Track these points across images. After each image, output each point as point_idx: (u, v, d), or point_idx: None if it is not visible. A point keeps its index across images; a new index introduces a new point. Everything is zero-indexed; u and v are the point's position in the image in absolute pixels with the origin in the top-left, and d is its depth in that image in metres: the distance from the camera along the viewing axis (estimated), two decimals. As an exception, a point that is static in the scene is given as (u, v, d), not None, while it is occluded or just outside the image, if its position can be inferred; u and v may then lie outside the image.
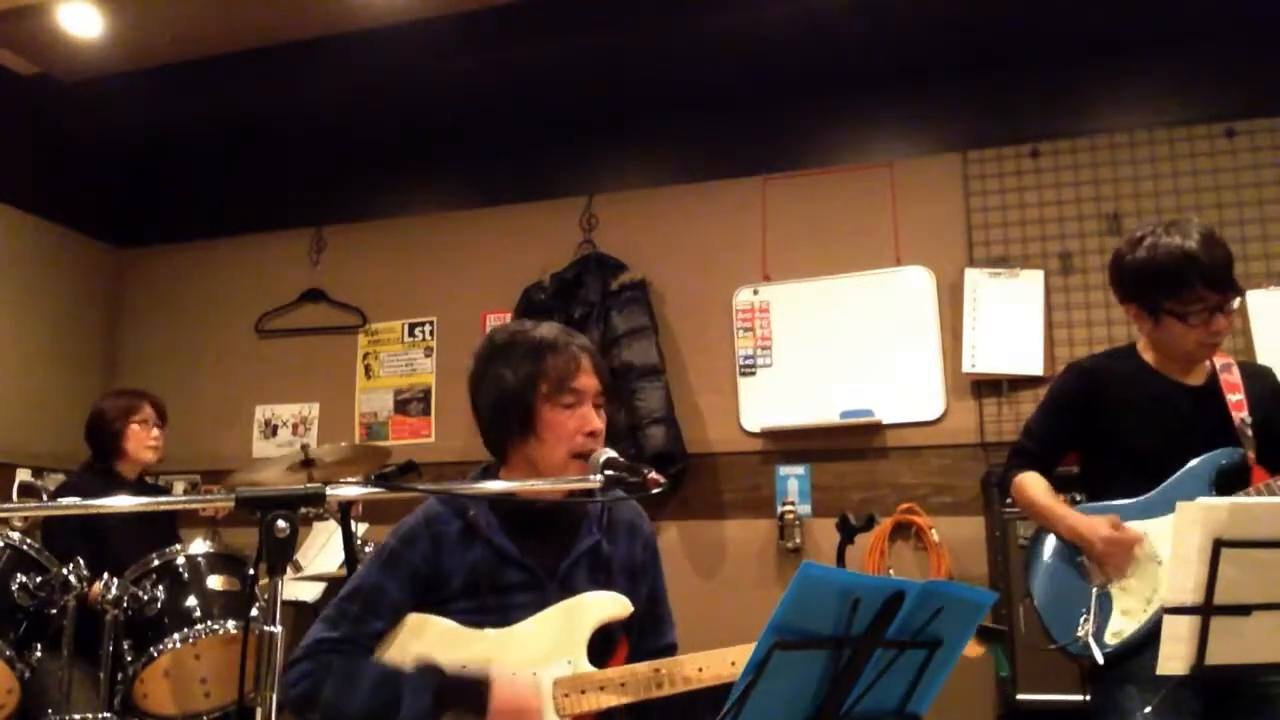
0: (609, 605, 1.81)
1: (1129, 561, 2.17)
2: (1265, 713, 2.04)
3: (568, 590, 1.82)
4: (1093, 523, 2.20)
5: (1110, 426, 2.30)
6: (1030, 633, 2.37)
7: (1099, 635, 2.16)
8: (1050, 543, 2.34)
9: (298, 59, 4.23)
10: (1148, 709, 2.01)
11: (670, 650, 1.99)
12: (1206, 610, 1.59)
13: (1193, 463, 2.19)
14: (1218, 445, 2.20)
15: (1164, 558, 2.15)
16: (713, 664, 1.73)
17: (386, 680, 1.70)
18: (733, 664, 1.71)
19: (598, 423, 1.84)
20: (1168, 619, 1.62)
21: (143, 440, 3.48)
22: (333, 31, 4.10)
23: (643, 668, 1.74)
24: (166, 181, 5.31)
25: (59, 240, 5.02)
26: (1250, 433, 2.21)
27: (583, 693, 1.72)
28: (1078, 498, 2.48)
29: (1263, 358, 3.57)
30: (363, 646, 1.76)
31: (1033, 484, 2.36)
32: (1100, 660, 2.14)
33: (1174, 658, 1.61)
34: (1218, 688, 2.06)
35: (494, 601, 1.78)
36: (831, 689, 1.30)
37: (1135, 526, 2.19)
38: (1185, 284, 2.15)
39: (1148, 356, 2.33)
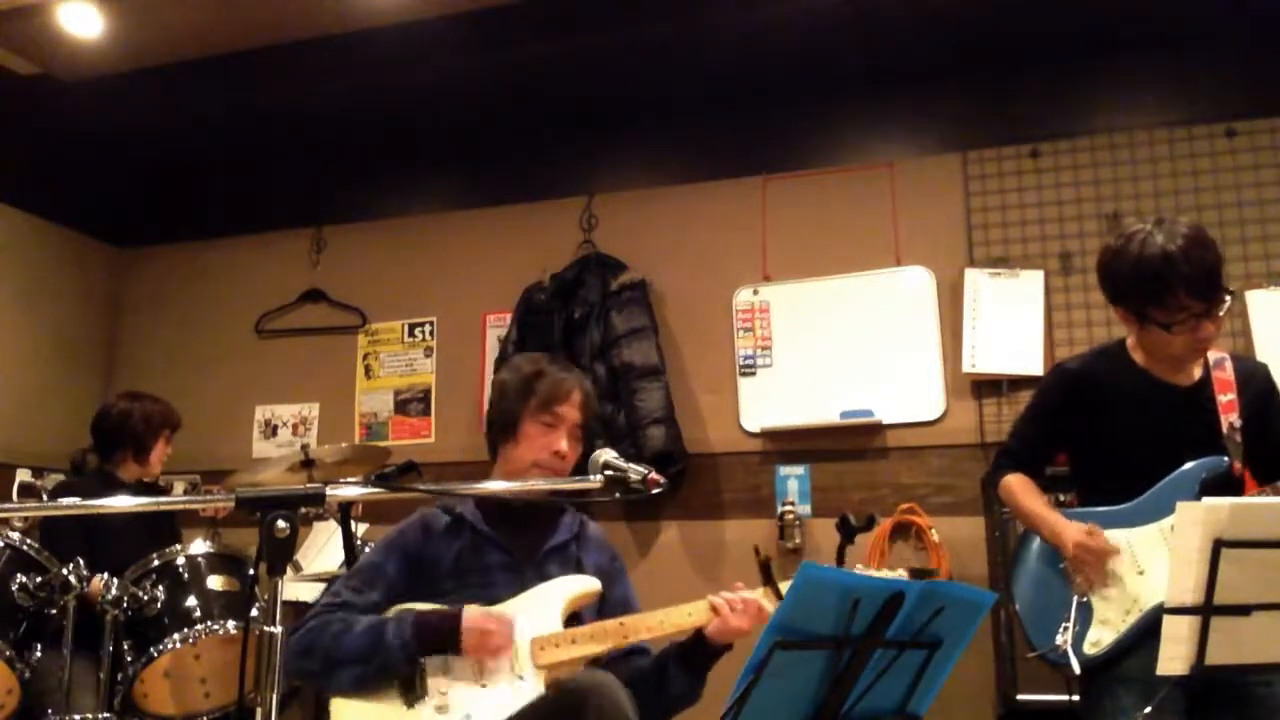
0: (580, 584, 2.02)
1: (1102, 570, 2.15)
2: (1247, 711, 2.03)
3: (541, 574, 2.03)
4: (1068, 528, 2.18)
5: (1095, 429, 2.27)
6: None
7: (1077, 644, 2.15)
8: (1035, 548, 2.32)
9: (298, 59, 4.23)
10: (1147, 709, 2.00)
11: (645, 654, 2.13)
12: (1206, 610, 1.59)
13: (1177, 472, 2.16)
14: (1205, 449, 2.16)
15: (1145, 567, 2.13)
16: (671, 616, 1.93)
17: (373, 624, 1.91)
18: (689, 615, 1.93)
19: (565, 446, 2.11)
20: (1168, 619, 1.62)
21: (163, 454, 3.49)
22: (333, 31, 4.10)
23: (609, 623, 1.94)
24: (166, 181, 5.31)
25: (59, 240, 5.02)
26: (1239, 439, 2.16)
27: (557, 645, 1.91)
28: (1062, 498, 2.47)
29: (1262, 358, 3.55)
30: (359, 611, 1.96)
31: (1018, 487, 2.34)
32: (1077, 670, 2.13)
33: (1174, 658, 1.61)
34: (1203, 685, 2.04)
35: (477, 581, 2.00)
36: (831, 689, 1.30)
37: (1117, 535, 2.17)
38: (1169, 294, 2.08)
39: (1136, 355, 2.28)
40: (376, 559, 2.03)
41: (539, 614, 1.94)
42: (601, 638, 1.91)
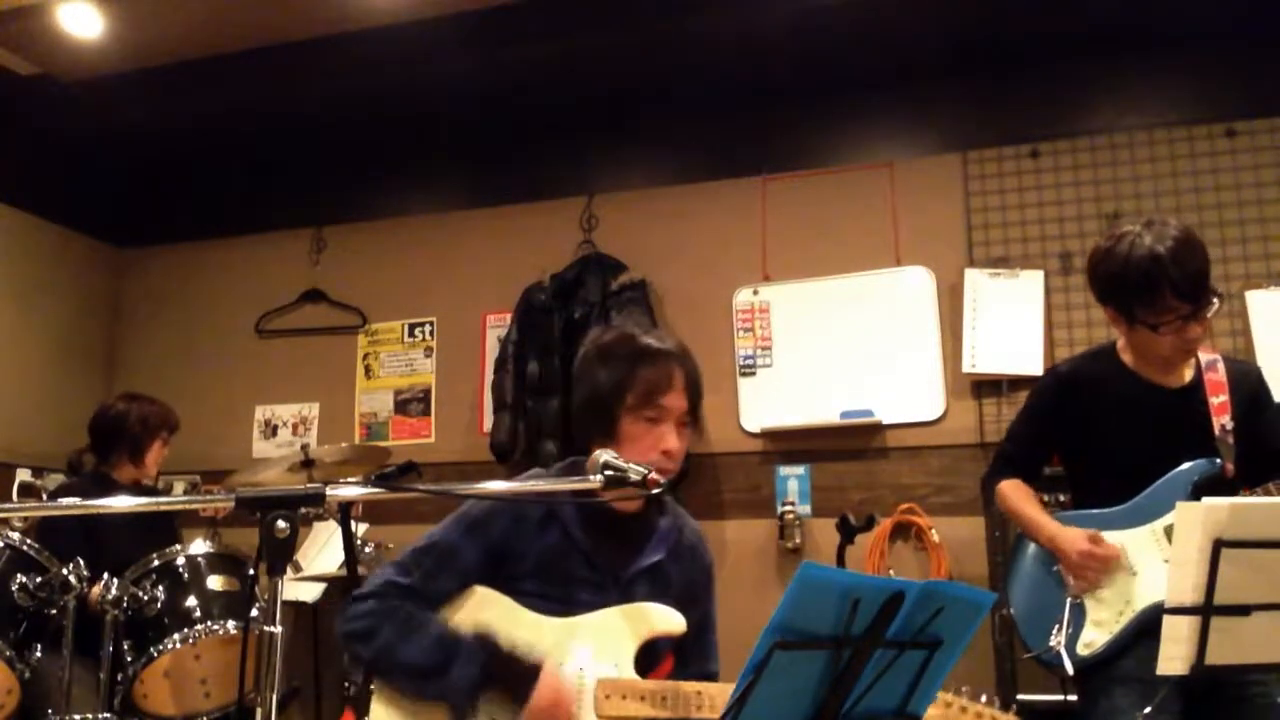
0: (666, 618, 1.84)
1: (1104, 576, 2.15)
2: (1244, 713, 2.04)
3: (627, 598, 1.85)
4: (1071, 535, 2.18)
5: (1087, 431, 2.28)
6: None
7: (1071, 646, 2.15)
8: (1030, 551, 2.32)
9: (298, 59, 4.23)
10: (1147, 709, 2.00)
11: (713, 679, 2.01)
12: (1206, 610, 1.59)
13: (1170, 474, 2.16)
14: (1197, 451, 2.16)
15: (1139, 569, 2.14)
16: None
17: (443, 641, 1.74)
18: None
19: (674, 443, 1.86)
20: (1168, 619, 1.62)
21: (159, 456, 3.49)
22: (333, 31, 4.10)
23: (687, 686, 1.75)
24: (166, 181, 5.31)
25: (59, 240, 5.02)
26: (1231, 440, 2.17)
27: (624, 698, 1.74)
28: (1062, 499, 2.47)
29: (1263, 358, 3.57)
30: (428, 600, 1.80)
31: (1013, 492, 2.34)
32: (1070, 671, 2.13)
33: (1174, 658, 1.61)
34: (1200, 687, 2.04)
35: (558, 591, 1.82)
36: (831, 689, 1.30)
37: (1110, 536, 2.17)
38: (1157, 295, 2.08)
39: (1126, 357, 2.29)
40: (456, 540, 1.83)
41: (611, 642, 1.79)
42: (672, 704, 1.72)
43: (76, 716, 2.80)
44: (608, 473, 1.67)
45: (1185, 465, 2.16)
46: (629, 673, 1.79)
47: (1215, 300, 2.13)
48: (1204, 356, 2.26)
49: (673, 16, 3.97)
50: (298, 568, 3.87)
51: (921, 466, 4.01)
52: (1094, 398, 2.27)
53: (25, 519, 3.32)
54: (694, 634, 1.93)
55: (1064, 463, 2.39)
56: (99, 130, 4.74)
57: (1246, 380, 2.27)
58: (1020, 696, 3.27)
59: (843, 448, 4.10)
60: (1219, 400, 2.20)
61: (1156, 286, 2.08)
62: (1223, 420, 2.18)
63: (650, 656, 1.85)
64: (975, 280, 4.03)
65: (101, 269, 5.27)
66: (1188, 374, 2.26)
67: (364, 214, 4.99)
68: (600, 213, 4.61)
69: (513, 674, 1.73)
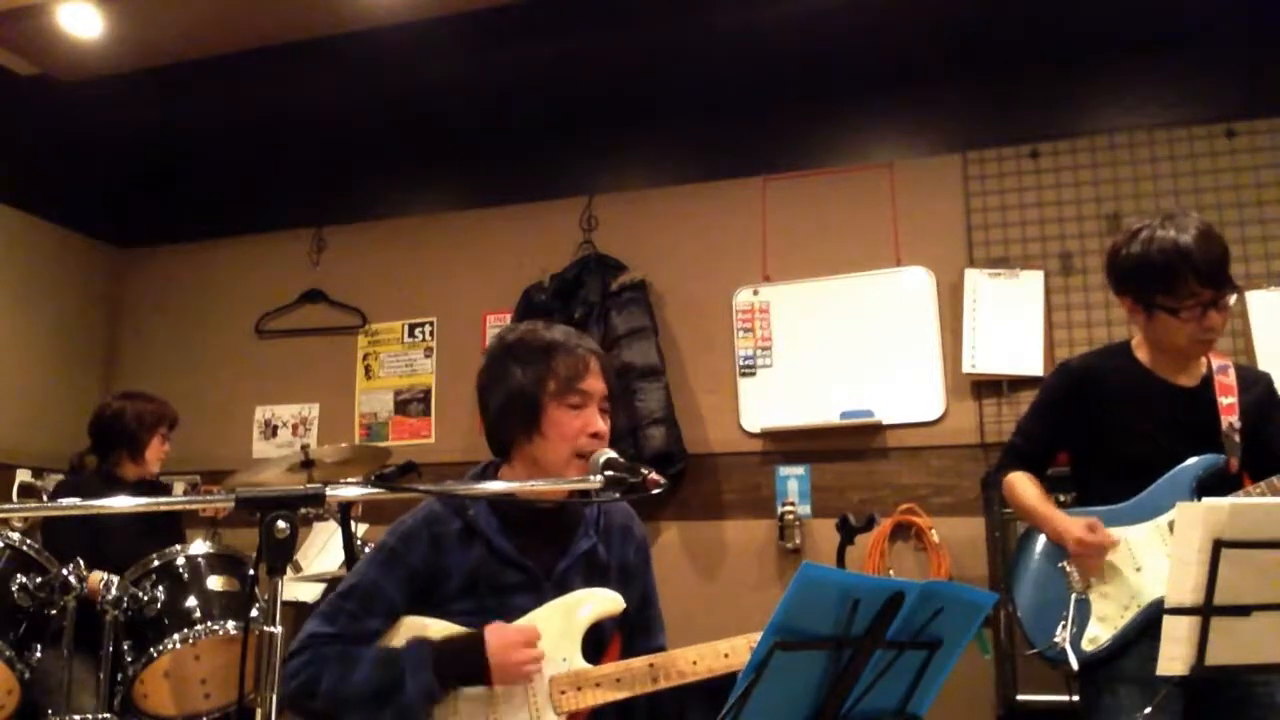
0: (601, 602, 1.84)
1: (1102, 564, 2.16)
2: (1246, 710, 2.04)
3: (563, 592, 1.84)
4: (1069, 522, 2.19)
5: (1097, 428, 2.28)
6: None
7: (1075, 642, 2.15)
8: (1036, 547, 2.33)
9: (298, 59, 4.23)
10: (1148, 709, 2.00)
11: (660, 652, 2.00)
12: (1206, 611, 1.59)
13: (1175, 470, 2.17)
14: (1204, 449, 2.17)
15: (1144, 564, 2.14)
16: (706, 657, 1.76)
17: (384, 660, 1.72)
18: (725, 656, 1.76)
19: (602, 425, 1.85)
20: (1168, 619, 1.62)
21: (159, 452, 3.48)
22: (333, 31, 4.09)
23: (638, 663, 1.77)
24: (166, 181, 5.31)
25: (59, 240, 5.02)
26: (1237, 438, 2.18)
27: (579, 689, 1.75)
28: (1062, 499, 2.47)
29: (1263, 358, 3.57)
30: (357, 642, 1.76)
31: (1021, 484, 2.35)
32: (1075, 667, 2.13)
33: (1174, 658, 1.61)
34: (1202, 686, 2.04)
35: (492, 603, 1.80)
36: (831, 689, 1.30)
37: (1115, 532, 2.17)
38: (1178, 279, 2.11)
39: (1141, 354, 2.29)
40: (376, 576, 1.79)
41: (555, 638, 1.78)
42: (629, 682, 1.75)
43: (76, 717, 2.81)
44: (608, 473, 1.67)
45: (1190, 461, 2.17)
46: (579, 663, 1.79)
47: (1234, 293, 2.15)
48: (1216, 360, 2.28)
49: (673, 16, 3.97)
50: (298, 568, 3.87)
51: (921, 466, 4.01)
52: (1105, 393, 2.28)
53: (25, 519, 3.32)
54: (636, 611, 1.94)
55: (1071, 459, 2.40)
56: (99, 130, 4.74)
57: (1256, 385, 2.29)
58: (1020, 696, 3.26)
59: (843, 448, 4.10)
60: (1228, 401, 2.22)
61: (1179, 272, 2.10)
62: (1230, 419, 2.20)
63: (597, 641, 1.84)
64: (975, 280, 4.03)
65: (101, 269, 5.27)
66: (1200, 373, 2.27)
67: (364, 214, 4.99)
68: (600, 213, 4.61)
69: (464, 653, 1.71)
